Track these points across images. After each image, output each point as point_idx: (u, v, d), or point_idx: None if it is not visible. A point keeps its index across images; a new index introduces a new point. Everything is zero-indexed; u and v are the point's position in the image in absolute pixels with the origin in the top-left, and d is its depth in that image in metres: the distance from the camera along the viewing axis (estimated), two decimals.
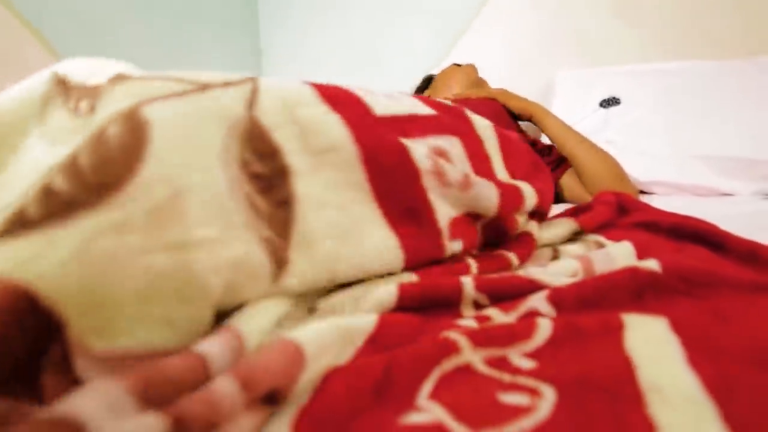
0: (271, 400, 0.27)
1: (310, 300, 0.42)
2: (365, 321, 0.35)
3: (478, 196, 0.55)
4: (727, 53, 1.49)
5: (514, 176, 0.72)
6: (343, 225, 0.44)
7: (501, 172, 0.69)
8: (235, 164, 0.40)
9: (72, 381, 0.28)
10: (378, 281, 0.45)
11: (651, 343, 0.36)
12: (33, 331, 0.27)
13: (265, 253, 0.37)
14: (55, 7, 1.58)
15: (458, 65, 1.60)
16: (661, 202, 1.12)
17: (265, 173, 0.41)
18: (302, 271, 0.39)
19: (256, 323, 0.33)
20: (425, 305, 0.41)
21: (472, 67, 1.58)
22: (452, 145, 0.60)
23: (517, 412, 0.27)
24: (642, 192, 1.27)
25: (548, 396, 0.29)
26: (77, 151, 0.33)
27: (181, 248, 0.33)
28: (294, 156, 0.43)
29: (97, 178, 0.32)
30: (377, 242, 0.45)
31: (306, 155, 0.44)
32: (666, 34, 1.61)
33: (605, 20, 1.68)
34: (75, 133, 0.40)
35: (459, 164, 0.58)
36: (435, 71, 1.72)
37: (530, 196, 0.67)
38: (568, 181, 1.22)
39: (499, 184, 0.59)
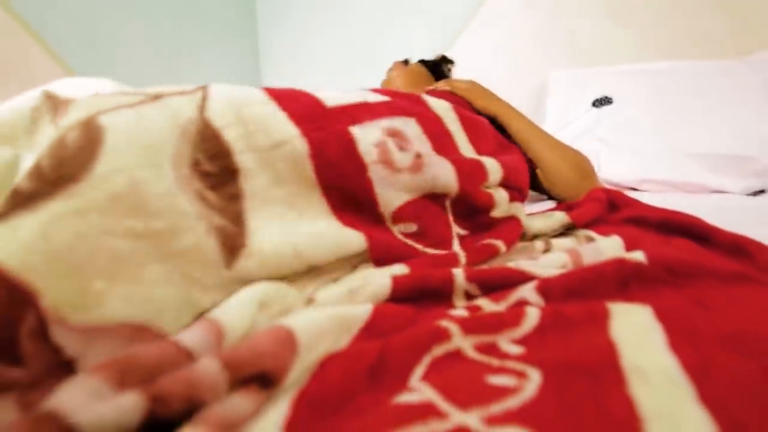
0: (265, 382, 0.28)
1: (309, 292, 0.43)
2: (360, 310, 0.36)
3: (434, 175, 0.57)
4: (717, 53, 1.51)
5: (480, 153, 0.73)
6: (290, 216, 0.46)
7: (466, 149, 0.70)
8: (186, 164, 0.42)
9: (52, 350, 0.30)
10: (373, 273, 0.46)
11: (635, 330, 0.37)
12: (4, 300, 0.29)
13: (216, 241, 0.40)
14: (56, 10, 1.59)
15: (404, 64, 1.55)
16: (653, 199, 1.13)
17: (215, 172, 0.44)
18: (260, 250, 0.41)
19: (235, 311, 0.35)
20: (418, 296, 0.42)
21: (418, 67, 1.55)
22: (407, 124, 0.61)
23: (503, 392, 0.28)
24: (634, 189, 1.28)
25: (534, 378, 0.30)
26: (40, 157, 0.36)
27: (140, 236, 0.36)
28: (242, 155, 0.45)
29: (55, 173, 0.35)
30: (323, 230, 0.47)
31: (254, 153, 0.46)
32: (658, 35, 1.62)
33: (598, 21, 1.69)
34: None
35: (416, 142, 0.59)
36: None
37: (494, 169, 0.68)
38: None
39: (457, 160, 0.61)
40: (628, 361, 0.32)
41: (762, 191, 1.19)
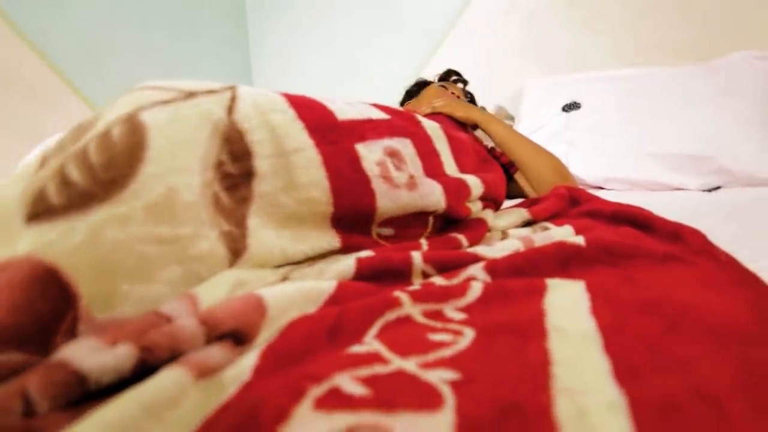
0: (239, 339, 0.32)
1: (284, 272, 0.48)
2: (326, 285, 0.41)
3: (426, 194, 0.61)
4: (680, 60, 1.57)
5: (463, 170, 0.78)
6: (292, 222, 0.49)
7: (450, 167, 0.75)
8: (211, 165, 0.45)
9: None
10: (342, 257, 0.50)
11: (565, 299, 0.42)
12: (54, 300, 0.33)
13: (224, 247, 0.43)
14: (55, 22, 1.62)
15: (443, 86, 1.62)
16: (618, 196, 1.18)
17: (235, 173, 0.47)
18: (256, 254, 0.45)
19: (210, 287, 0.38)
20: (380, 275, 0.46)
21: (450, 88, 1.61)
22: (404, 145, 0.65)
23: (440, 345, 0.33)
24: (600, 188, 1.33)
25: (468, 335, 0.34)
26: (87, 145, 0.39)
27: (166, 242, 0.39)
28: (261, 159, 0.48)
29: (108, 175, 0.38)
30: (320, 238, 0.51)
31: (272, 158, 0.49)
32: (625, 44, 1.68)
33: (570, 32, 1.75)
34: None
35: (410, 163, 0.63)
36: (428, 77, 1.72)
37: (476, 186, 0.73)
38: (521, 178, 1.26)
39: (445, 180, 0.65)
40: (552, 322, 0.37)
41: (718, 187, 1.24)
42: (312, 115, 0.55)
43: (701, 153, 1.26)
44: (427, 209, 0.62)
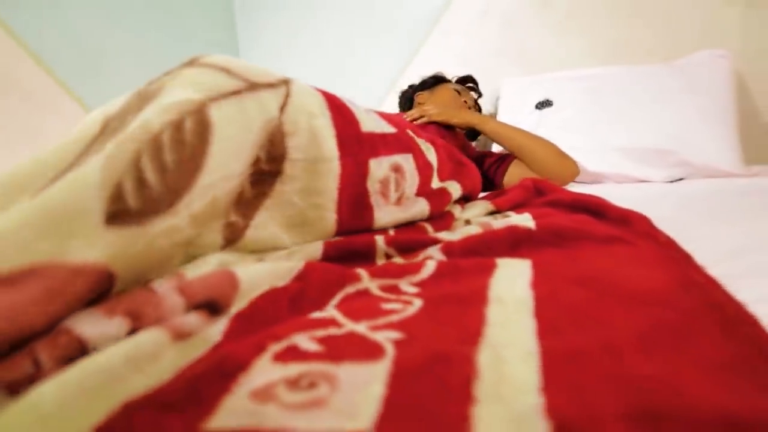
0: (213, 309, 0.35)
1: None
2: (295, 264, 0.44)
3: (409, 209, 0.66)
4: (646, 59, 1.61)
5: (442, 177, 0.82)
6: (296, 220, 0.52)
7: (437, 176, 0.79)
8: (251, 161, 0.47)
9: None
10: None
11: (510, 275, 0.45)
12: (96, 294, 0.35)
13: (221, 236, 0.46)
14: (48, 24, 1.64)
15: (458, 91, 1.63)
16: (588, 189, 1.23)
17: (265, 170, 0.49)
18: (250, 243, 0.48)
19: (197, 267, 0.42)
20: (345, 256, 0.50)
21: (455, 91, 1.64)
22: (407, 160, 0.68)
23: (390, 312, 0.36)
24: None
25: (417, 304, 0.38)
26: (161, 133, 0.38)
27: (188, 242, 0.43)
28: (291, 163, 0.50)
29: (174, 181, 0.38)
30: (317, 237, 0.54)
31: (302, 162, 0.51)
32: (596, 44, 1.72)
33: (544, 33, 1.79)
34: (111, 134, 0.42)
35: (409, 178, 0.67)
36: (448, 76, 1.75)
37: (456, 191, 0.79)
38: (513, 171, 1.29)
39: (430, 193, 0.70)
40: (494, 293, 0.40)
41: (681, 179, 1.28)
42: (342, 121, 0.56)
43: (665, 147, 1.30)
44: (414, 219, 0.67)
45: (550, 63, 1.78)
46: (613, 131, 1.38)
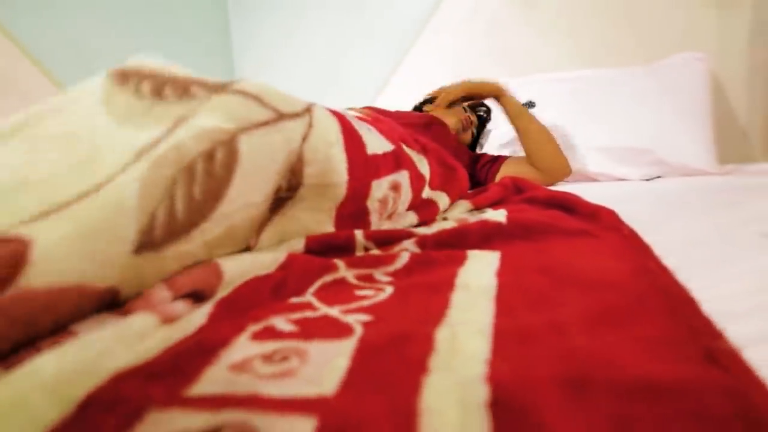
0: (198, 298, 0.38)
1: None
2: (278, 255, 0.46)
3: (399, 223, 0.69)
4: (625, 62, 1.64)
5: (433, 185, 0.84)
6: (297, 233, 0.54)
7: (428, 185, 0.81)
8: (274, 189, 0.48)
9: None
10: None
11: (479, 265, 0.48)
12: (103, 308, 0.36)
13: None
14: (49, 31, 1.65)
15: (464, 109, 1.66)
16: (568, 187, 1.26)
17: (284, 197, 0.50)
18: (261, 248, 0.50)
19: None
20: (326, 249, 0.52)
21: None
22: (403, 177, 0.70)
23: (362, 298, 0.39)
24: None
25: (388, 291, 0.41)
26: (194, 160, 0.40)
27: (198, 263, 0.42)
28: (306, 189, 0.52)
29: (195, 212, 0.39)
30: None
31: (314, 188, 0.52)
32: (578, 47, 1.75)
33: (527, 37, 1.82)
34: (145, 116, 0.44)
35: (404, 194, 0.70)
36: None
37: (444, 203, 0.82)
38: (508, 169, 1.32)
39: (419, 204, 0.73)
40: (461, 281, 0.43)
41: (658, 177, 1.32)
42: (353, 147, 0.58)
43: (642, 146, 1.34)
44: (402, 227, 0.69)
45: (535, 64, 1.81)
46: (593, 131, 1.41)
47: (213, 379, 0.26)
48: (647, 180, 1.30)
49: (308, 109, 0.53)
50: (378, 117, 0.90)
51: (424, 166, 0.83)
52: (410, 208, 0.72)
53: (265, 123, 0.47)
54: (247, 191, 0.44)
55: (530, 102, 1.52)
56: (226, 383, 0.25)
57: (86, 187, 0.35)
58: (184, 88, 0.46)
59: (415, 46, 2.04)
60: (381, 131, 0.75)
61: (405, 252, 0.49)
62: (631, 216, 0.73)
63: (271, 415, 0.22)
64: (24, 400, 0.22)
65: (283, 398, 0.24)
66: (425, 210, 0.74)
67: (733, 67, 1.58)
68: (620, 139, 1.37)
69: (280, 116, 0.48)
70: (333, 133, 0.55)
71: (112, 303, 0.36)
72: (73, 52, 1.73)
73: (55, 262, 0.31)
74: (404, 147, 0.81)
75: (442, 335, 0.31)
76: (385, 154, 0.67)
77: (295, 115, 0.50)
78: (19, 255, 0.29)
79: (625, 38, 1.70)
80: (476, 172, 1.34)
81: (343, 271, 0.44)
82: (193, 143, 0.40)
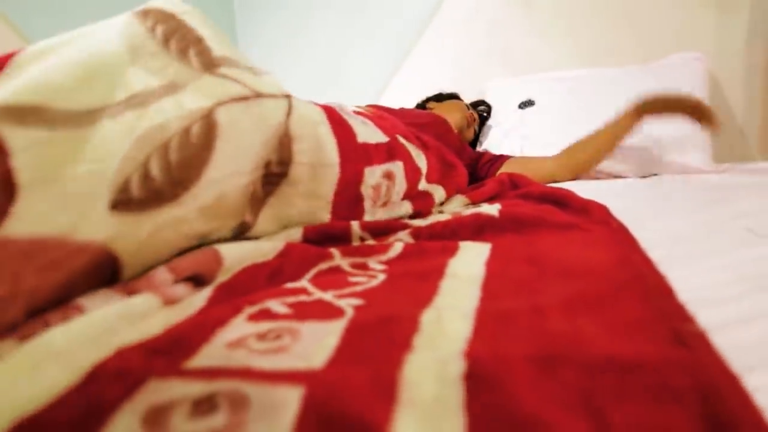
0: (198, 282, 0.39)
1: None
2: (276, 243, 0.48)
3: (394, 212, 0.70)
4: (626, 61, 1.64)
5: (430, 179, 0.85)
6: (293, 219, 0.56)
7: (425, 178, 0.82)
8: (262, 164, 0.50)
9: None
10: None
11: (470, 255, 0.49)
12: (107, 279, 0.38)
13: (231, 233, 0.50)
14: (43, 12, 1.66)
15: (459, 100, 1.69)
16: (567, 184, 1.27)
17: (275, 172, 0.52)
18: (252, 236, 0.52)
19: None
20: (323, 239, 0.53)
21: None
22: (397, 167, 0.71)
23: (355, 284, 0.40)
24: None
25: (380, 278, 0.42)
26: (170, 138, 0.41)
27: (202, 237, 0.46)
28: (297, 166, 0.53)
29: (179, 175, 0.41)
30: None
31: (306, 166, 0.54)
32: (576, 47, 1.76)
33: (527, 37, 1.83)
34: (151, 59, 0.47)
35: (398, 183, 0.70)
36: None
37: (440, 195, 0.83)
38: (509, 168, 1.29)
39: (415, 195, 0.74)
40: (451, 270, 0.44)
41: (654, 175, 1.32)
42: (341, 131, 0.60)
43: (639, 144, 1.34)
44: (397, 217, 0.70)
45: (535, 64, 1.81)
46: (591, 129, 1.42)
47: (210, 354, 0.27)
48: (643, 177, 1.30)
49: (286, 96, 0.54)
50: (382, 114, 0.91)
51: (421, 161, 0.84)
52: (405, 198, 0.73)
53: (244, 98, 0.49)
54: (234, 158, 0.46)
55: (529, 101, 1.53)
56: (222, 358, 0.27)
57: (77, 107, 0.37)
58: (183, 48, 0.49)
59: (416, 46, 2.05)
60: (380, 127, 0.76)
61: (399, 242, 0.50)
62: (624, 211, 0.74)
63: (261, 384, 0.23)
64: (38, 368, 0.24)
65: (274, 371, 0.25)
66: (421, 201, 0.75)
67: (731, 67, 1.58)
68: None
69: (258, 95, 0.50)
70: (316, 114, 0.57)
71: (114, 278, 0.38)
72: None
73: (39, 213, 0.32)
74: (402, 140, 0.83)
75: (427, 317, 0.32)
76: (377, 145, 0.69)
77: (272, 96, 0.52)
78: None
79: (624, 38, 1.70)
80: (478, 170, 1.35)
81: (339, 259, 0.46)
82: (176, 123, 0.42)
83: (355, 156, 0.61)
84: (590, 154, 1.29)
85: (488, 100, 1.74)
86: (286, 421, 0.21)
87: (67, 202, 0.34)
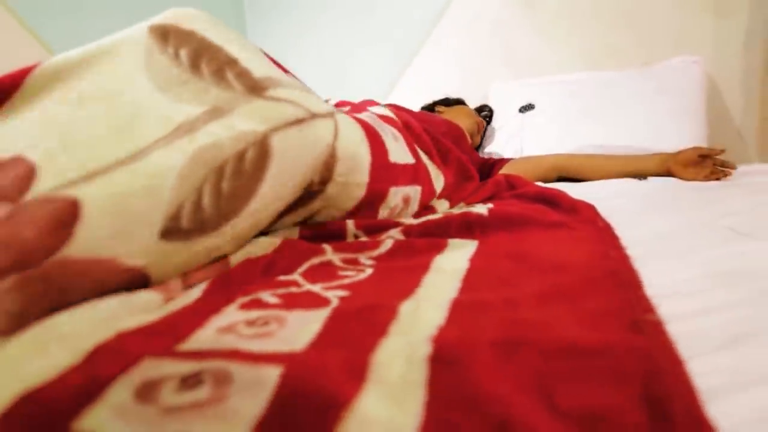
0: None
1: None
2: (274, 239, 0.50)
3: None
4: (626, 63, 1.65)
5: (441, 195, 0.86)
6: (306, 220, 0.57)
7: (437, 197, 0.83)
8: (305, 185, 0.51)
9: None
10: None
11: (456, 251, 0.51)
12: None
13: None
14: (77, 36, 1.69)
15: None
16: (563, 184, 1.28)
17: (313, 191, 0.53)
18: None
19: None
20: (319, 236, 0.55)
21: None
22: (415, 192, 0.72)
23: (344, 277, 0.42)
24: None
25: (368, 272, 0.44)
26: (226, 162, 0.42)
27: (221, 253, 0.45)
28: (333, 185, 0.54)
29: (226, 207, 0.42)
30: None
31: (340, 185, 0.55)
32: (578, 50, 1.76)
33: (529, 40, 1.83)
34: (183, 86, 0.45)
35: (411, 207, 0.71)
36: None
37: (444, 208, 0.82)
38: (509, 170, 1.31)
39: (420, 211, 0.75)
40: (436, 265, 0.46)
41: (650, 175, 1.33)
42: (376, 151, 0.61)
43: (638, 146, 1.35)
44: None
45: (538, 66, 1.82)
46: (588, 131, 1.43)
47: (202, 339, 0.29)
48: (639, 179, 1.31)
49: (331, 113, 0.54)
50: (408, 121, 0.91)
51: (439, 183, 0.84)
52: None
53: (299, 121, 0.48)
54: (279, 187, 0.46)
55: (529, 104, 1.54)
56: (212, 341, 0.29)
57: (125, 154, 0.38)
58: (219, 70, 0.48)
59: (423, 48, 2.07)
60: (408, 142, 0.77)
61: (390, 239, 0.52)
62: (614, 211, 0.76)
63: (245, 364, 0.25)
64: (44, 348, 0.26)
65: (259, 353, 0.27)
66: (423, 213, 0.76)
67: (729, 70, 1.58)
68: (617, 138, 1.39)
69: (313, 115, 0.50)
70: (358, 133, 0.58)
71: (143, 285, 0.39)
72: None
73: (94, 239, 0.33)
74: (425, 159, 0.83)
75: (406, 307, 0.34)
76: (405, 166, 0.69)
77: (324, 116, 0.52)
78: (68, 218, 0.32)
79: (624, 41, 1.71)
80: (482, 175, 1.37)
81: (330, 254, 0.48)
82: (229, 143, 0.42)
83: (384, 176, 0.62)
84: (597, 172, 1.30)
85: (491, 103, 1.75)
86: (264, 395, 0.23)
87: (125, 228, 0.35)
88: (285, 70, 0.60)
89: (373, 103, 1.00)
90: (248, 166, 0.43)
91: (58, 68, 0.43)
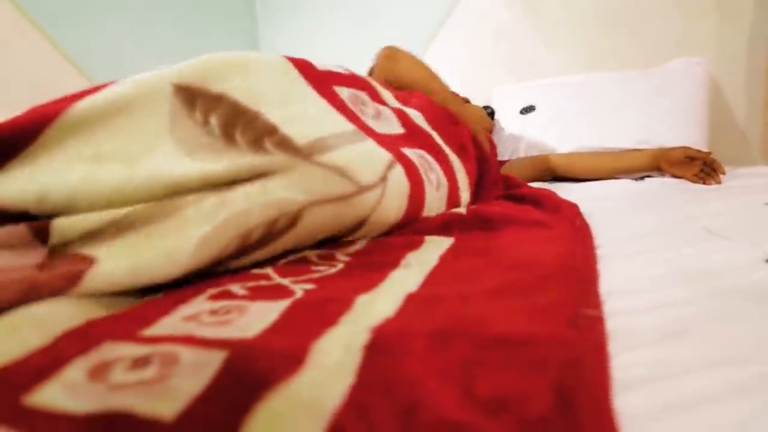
0: None
1: None
2: None
3: None
4: (627, 66, 1.63)
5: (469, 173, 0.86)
6: None
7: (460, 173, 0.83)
8: (322, 239, 0.52)
9: None
10: None
11: (431, 248, 0.52)
12: None
13: None
14: (90, 40, 1.73)
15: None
16: (560, 185, 1.28)
17: (335, 238, 0.54)
18: None
19: None
20: None
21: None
22: (432, 166, 0.72)
23: (315, 272, 0.44)
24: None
25: (339, 266, 0.45)
26: (255, 227, 0.42)
27: None
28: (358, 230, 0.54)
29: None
30: None
31: (367, 227, 0.54)
32: (579, 53, 1.75)
33: (531, 43, 1.83)
34: (216, 153, 0.42)
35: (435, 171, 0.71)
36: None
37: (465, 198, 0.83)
38: (508, 171, 1.33)
39: None
40: (406, 261, 0.47)
41: (649, 176, 1.32)
42: (411, 210, 0.61)
43: (633, 147, 1.34)
44: None
45: (540, 70, 1.81)
46: (587, 133, 1.42)
47: (165, 325, 0.31)
48: (636, 179, 1.30)
49: (384, 178, 0.53)
50: (447, 130, 0.89)
51: (465, 194, 0.83)
52: None
53: (342, 198, 0.47)
54: (295, 242, 0.48)
55: (530, 106, 1.54)
56: (174, 328, 0.31)
57: (149, 211, 0.38)
58: (256, 140, 0.44)
59: (427, 51, 2.08)
60: (445, 170, 0.76)
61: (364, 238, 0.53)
62: (601, 211, 0.76)
63: (195, 348, 0.27)
64: (17, 330, 0.28)
65: (211, 338, 0.29)
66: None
67: (733, 71, 1.55)
68: (614, 139, 1.37)
69: (360, 189, 0.49)
70: (401, 200, 0.57)
71: None
72: (109, 55, 1.79)
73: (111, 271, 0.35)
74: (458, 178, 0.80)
75: (362, 300, 0.36)
76: (435, 218, 0.64)
77: (373, 186, 0.51)
78: (78, 274, 0.34)
79: (626, 44, 1.69)
80: None
81: (307, 251, 0.49)
82: (260, 210, 0.42)
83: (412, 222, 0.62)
84: (587, 171, 1.31)
85: (493, 105, 1.75)
86: (205, 375, 0.24)
87: (139, 277, 0.36)
88: (339, 78, 0.65)
89: (421, 97, 0.98)
90: (275, 232, 0.44)
91: (79, 119, 0.41)
